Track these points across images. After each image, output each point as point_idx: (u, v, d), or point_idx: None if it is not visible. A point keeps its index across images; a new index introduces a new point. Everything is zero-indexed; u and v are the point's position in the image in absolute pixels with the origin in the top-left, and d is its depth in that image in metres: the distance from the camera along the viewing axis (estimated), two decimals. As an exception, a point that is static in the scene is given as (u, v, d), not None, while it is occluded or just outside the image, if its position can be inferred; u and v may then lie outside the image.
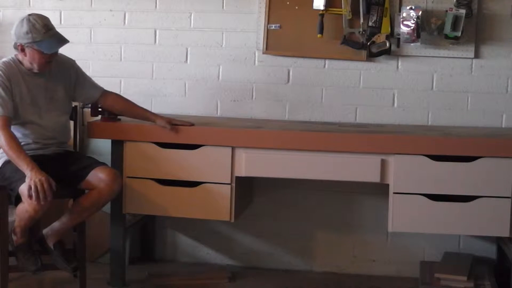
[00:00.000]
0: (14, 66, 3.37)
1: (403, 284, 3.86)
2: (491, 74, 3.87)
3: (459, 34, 3.72)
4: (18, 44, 3.31)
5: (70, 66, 3.57)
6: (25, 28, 3.28)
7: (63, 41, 3.36)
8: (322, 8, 3.79)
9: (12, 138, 3.22)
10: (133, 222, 3.88)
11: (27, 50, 3.31)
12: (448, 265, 3.69)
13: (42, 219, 3.39)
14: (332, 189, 3.98)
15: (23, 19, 3.30)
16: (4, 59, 3.40)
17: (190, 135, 3.56)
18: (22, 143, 3.28)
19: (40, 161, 3.22)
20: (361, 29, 3.81)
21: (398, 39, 3.83)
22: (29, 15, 3.32)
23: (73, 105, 3.67)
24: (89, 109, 3.70)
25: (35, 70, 3.37)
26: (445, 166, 3.40)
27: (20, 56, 3.36)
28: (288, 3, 3.93)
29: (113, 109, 3.65)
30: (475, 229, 3.49)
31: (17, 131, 3.33)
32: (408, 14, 3.75)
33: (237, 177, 3.56)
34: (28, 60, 3.33)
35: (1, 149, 3.34)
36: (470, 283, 3.51)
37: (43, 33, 3.29)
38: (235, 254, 4.16)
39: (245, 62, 4.04)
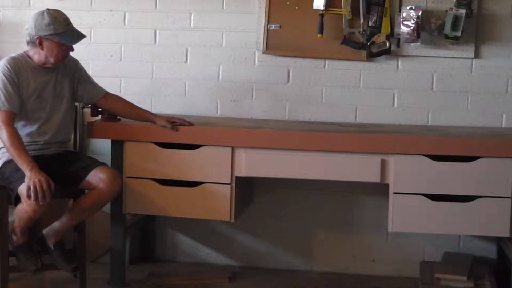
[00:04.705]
0: (23, 61, 3.37)
1: (403, 284, 3.86)
2: (491, 74, 3.87)
3: (459, 34, 3.72)
4: (36, 37, 3.31)
5: (74, 65, 3.58)
6: (46, 20, 3.29)
7: (81, 35, 3.39)
8: (322, 8, 3.79)
9: (14, 134, 3.22)
10: (133, 222, 3.88)
11: (46, 43, 3.31)
12: (448, 265, 3.70)
13: (42, 219, 3.39)
14: (332, 189, 3.98)
15: (42, 12, 3.32)
16: (12, 55, 3.41)
17: (190, 135, 3.56)
18: (24, 143, 3.28)
19: (40, 161, 3.22)
20: (361, 29, 3.81)
21: (398, 39, 3.83)
22: (47, 9, 3.35)
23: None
24: (89, 109, 3.71)
25: (50, 64, 3.37)
26: (445, 166, 3.40)
27: (33, 51, 3.37)
28: (288, 3, 3.93)
29: (113, 111, 3.66)
30: (475, 229, 3.49)
31: (20, 130, 3.33)
32: (408, 14, 3.75)
33: (237, 177, 3.56)
34: (44, 54, 3.33)
35: (1, 150, 3.35)
36: (470, 283, 3.51)
37: (65, 26, 3.33)
38: (235, 254, 4.16)
39: (245, 62, 4.04)
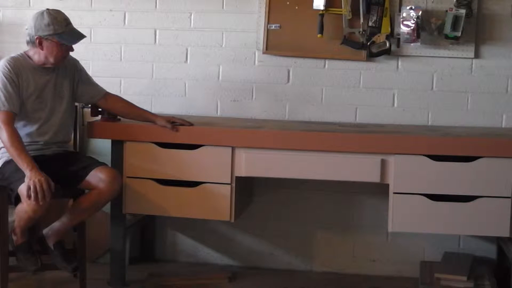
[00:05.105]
0: (23, 61, 3.37)
1: (403, 284, 3.86)
2: (491, 74, 3.87)
3: (459, 34, 3.72)
4: (36, 37, 3.31)
5: (74, 65, 3.58)
6: (46, 20, 3.29)
7: (81, 35, 3.39)
8: (322, 8, 3.80)
9: (14, 134, 3.22)
10: (133, 222, 3.88)
11: (46, 43, 3.31)
12: (448, 265, 3.70)
13: (42, 219, 3.39)
14: (332, 189, 3.98)
15: (42, 13, 3.32)
16: (12, 55, 3.41)
17: (190, 135, 3.56)
18: (24, 143, 3.28)
19: (40, 161, 3.22)
20: (361, 29, 3.81)
21: (398, 39, 3.83)
22: (47, 9, 3.35)
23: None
24: (89, 109, 3.71)
25: (50, 64, 3.37)
26: (445, 166, 3.40)
27: (33, 51, 3.37)
28: (288, 3, 3.93)
29: (113, 111, 3.66)
30: (475, 229, 3.49)
31: (20, 130, 3.33)
32: (408, 14, 3.75)
33: (237, 177, 3.56)
34: (44, 54, 3.33)
35: (1, 150, 3.35)
36: (470, 283, 3.51)
37: (65, 26, 3.33)
38: (235, 254, 4.16)
39: (245, 62, 4.05)
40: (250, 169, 3.54)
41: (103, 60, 4.17)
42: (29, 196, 3.09)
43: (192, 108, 4.10)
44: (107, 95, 3.65)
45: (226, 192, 3.55)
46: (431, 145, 3.42)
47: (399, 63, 3.93)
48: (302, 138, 3.50)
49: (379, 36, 3.82)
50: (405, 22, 3.76)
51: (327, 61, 3.98)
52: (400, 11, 3.80)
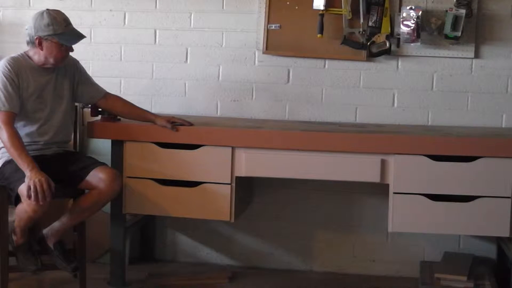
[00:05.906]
0: (23, 61, 3.37)
1: (403, 284, 3.86)
2: (491, 74, 3.87)
3: (459, 34, 3.72)
4: (35, 37, 3.31)
5: (74, 65, 3.58)
6: (46, 20, 3.29)
7: (81, 36, 3.39)
8: (322, 8, 3.80)
9: (14, 135, 3.23)
10: (133, 222, 3.88)
11: (45, 44, 3.31)
12: (448, 265, 3.70)
13: (42, 219, 3.39)
14: (332, 189, 3.98)
15: (42, 13, 3.32)
16: (12, 55, 3.41)
17: (190, 135, 3.56)
18: (24, 143, 3.28)
19: (40, 161, 3.22)
20: (361, 29, 3.81)
21: (398, 39, 3.83)
22: (47, 9, 3.35)
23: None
24: (89, 109, 3.71)
25: (50, 65, 3.38)
26: (445, 166, 3.40)
27: (33, 52, 3.37)
28: (288, 3, 3.93)
29: (113, 111, 3.66)
30: (475, 229, 3.49)
31: (20, 130, 3.33)
32: (408, 14, 3.75)
33: (237, 177, 3.56)
34: (44, 54, 3.33)
35: (1, 150, 3.35)
36: (470, 283, 3.52)
37: (64, 26, 3.33)
38: (235, 254, 4.16)
39: (245, 62, 4.05)
40: (250, 169, 3.54)
41: (103, 60, 4.17)
42: (29, 196, 3.09)
43: (192, 108, 4.10)
44: (107, 95, 3.65)
45: (226, 192, 3.55)
46: (431, 145, 3.42)
47: (399, 63, 3.93)
48: (302, 138, 3.50)
49: (379, 36, 3.82)
50: (405, 22, 3.76)
51: (327, 61, 3.98)
52: (400, 11, 3.80)
